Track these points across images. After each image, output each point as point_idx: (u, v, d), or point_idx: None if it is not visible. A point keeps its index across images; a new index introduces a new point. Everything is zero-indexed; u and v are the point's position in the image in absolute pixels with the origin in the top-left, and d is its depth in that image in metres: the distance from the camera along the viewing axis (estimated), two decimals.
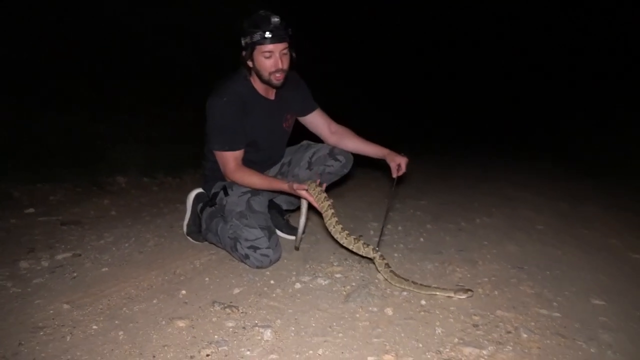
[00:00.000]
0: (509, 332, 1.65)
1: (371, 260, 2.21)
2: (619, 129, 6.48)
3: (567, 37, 12.36)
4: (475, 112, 14.08)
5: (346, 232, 2.21)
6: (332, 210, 2.21)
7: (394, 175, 2.49)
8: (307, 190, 2.21)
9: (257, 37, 2.16)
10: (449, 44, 15.33)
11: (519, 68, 14.27)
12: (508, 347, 1.55)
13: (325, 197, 2.21)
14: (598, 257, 2.50)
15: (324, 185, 2.28)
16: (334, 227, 2.21)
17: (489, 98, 14.66)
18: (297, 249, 2.58)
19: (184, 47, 6.44)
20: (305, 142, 2.76)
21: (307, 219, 2.50)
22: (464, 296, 1.93)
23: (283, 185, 2.27)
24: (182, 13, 6.54)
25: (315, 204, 2.24)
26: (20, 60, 4.95)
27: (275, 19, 2.16)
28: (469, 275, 2.22)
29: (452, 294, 1.94)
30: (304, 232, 2.53)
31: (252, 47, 2.21)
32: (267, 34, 2.15)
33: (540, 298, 1.95)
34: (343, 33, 11.13)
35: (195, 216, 2.66)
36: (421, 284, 2.00)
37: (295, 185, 2.21)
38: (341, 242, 2.23)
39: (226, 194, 2.41)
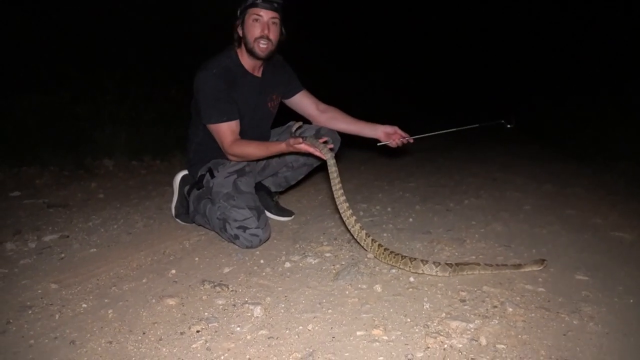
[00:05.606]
0: (495, 307, 1.68)
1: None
2: (603, 111, 6.49)
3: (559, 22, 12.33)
4: (461, 92, 14.07)
5: (343, 197, 2.17)
6: (336, 168, 2.14)
7: (403, 141, 2.57)
8: (304, 142, 2.10)
9: (250, 0, 2.24)
10: (449, 29, 15.21)
11: (509, 47, 14.20)
12: (494, 320, 1.58)
13: (324, 146, 2.11)
14: (583, 236, 2.54)
15: (323, 138, 2.19)
16: (336, 185, 2.17)
17: (477, 78, 14.65)
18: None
19: (171, 28, 6.30)
20: (291, 123, 2.74)
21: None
22: (540, 267, 2.01)
23: (280, 146, 2.20)
24: None
25: (317, 153, 2.10)
26: None
27: None
28: (456, 254, 2.25)
29: (524, 269, 2.00)
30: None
31: (244, 11, 2.27)
32: None
33: (525, 274, 1.99)
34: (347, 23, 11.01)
35: (183, 198, 2.65)
36: (486, 264, 2.01)
37: (291, 141, 2.12)
38: (339, 207, 2.20)
39: (212, 175, 2.39)
